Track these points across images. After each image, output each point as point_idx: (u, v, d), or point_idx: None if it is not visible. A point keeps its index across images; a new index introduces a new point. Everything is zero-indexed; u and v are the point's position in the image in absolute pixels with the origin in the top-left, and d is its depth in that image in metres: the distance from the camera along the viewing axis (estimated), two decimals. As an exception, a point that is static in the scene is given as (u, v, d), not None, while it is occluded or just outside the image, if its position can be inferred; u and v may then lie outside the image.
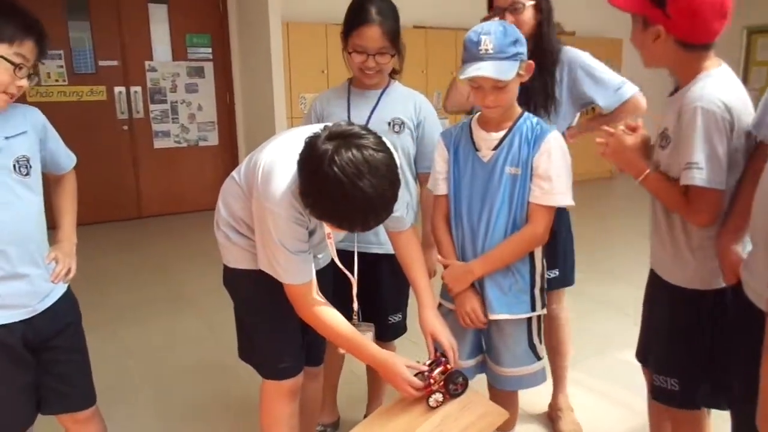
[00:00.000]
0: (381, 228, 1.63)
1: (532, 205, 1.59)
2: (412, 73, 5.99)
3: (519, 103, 1.64)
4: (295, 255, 1.43)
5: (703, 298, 1.48)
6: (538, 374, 1.72)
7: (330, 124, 1.36)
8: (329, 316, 1.50)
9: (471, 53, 1.48)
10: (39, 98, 5.01)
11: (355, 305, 1.69)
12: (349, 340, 1.51)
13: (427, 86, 6.17)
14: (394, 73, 1.95)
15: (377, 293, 1.96)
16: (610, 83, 1.98)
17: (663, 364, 1.58)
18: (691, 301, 1.49)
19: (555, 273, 2.07)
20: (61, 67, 5.16)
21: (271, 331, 1.63)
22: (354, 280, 1.67)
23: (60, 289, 1.58)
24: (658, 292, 1.61)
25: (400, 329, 2.07)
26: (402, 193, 1.53)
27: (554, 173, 1.56)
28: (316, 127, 1.41)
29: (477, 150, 1.63)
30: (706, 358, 1.49)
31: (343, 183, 1.23)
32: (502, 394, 1.75)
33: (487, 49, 1.46)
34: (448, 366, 1.55)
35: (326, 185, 1.25)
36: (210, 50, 5.78)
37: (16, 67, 1.40)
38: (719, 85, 1.38)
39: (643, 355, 1.74)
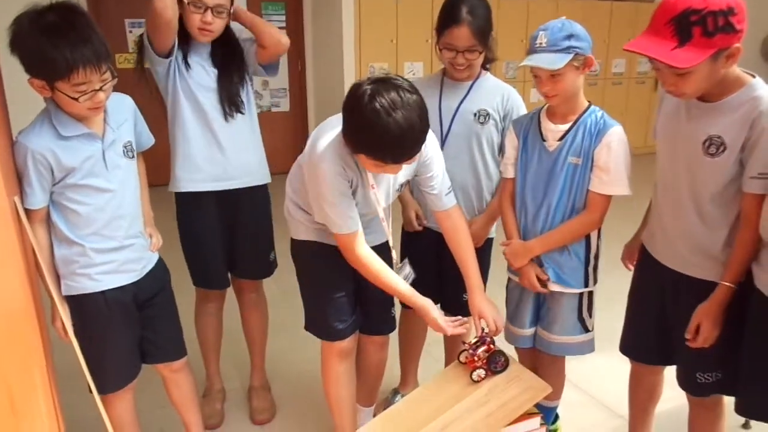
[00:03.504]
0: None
1: (590, 193, 1.70)
2: (511, 44, 5.92)
3: None
4: (339, 206, 1.61)
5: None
6: (585, 344, 1.85)
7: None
8: (374, 262, 1.69)
9: (530, 47, 1.62)
10: (126, 65, 5.30)
11: (394, 254, 1.84)
12: (392, 286, 1.71)
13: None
14: (487, 62, 2.01)
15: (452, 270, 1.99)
16: None
17: (706, 361, 1.59)
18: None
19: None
20: (146, 34, 5.41)
21: (320, 296, 1.84)
22: (389, 231, 1.80)
23: (155, 256, 1.81)
24: (685, 294, 1.60)
25: None
26: (444, 176, 1.75)
27: (613, 165, 1.65)
28: None
29: (544, 140, 1.75)
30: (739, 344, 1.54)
31: (380, 113, 1.43)
32: (549, 361, 1.90)
33: (541, 43, 1.60)
34: (492, 346, 1.70)
35: (365, 117, 1.45)
36: (284, 17, 5.91)
37: (82, 95, 1.45)
38: None
39: (637, 350, 1.82)
